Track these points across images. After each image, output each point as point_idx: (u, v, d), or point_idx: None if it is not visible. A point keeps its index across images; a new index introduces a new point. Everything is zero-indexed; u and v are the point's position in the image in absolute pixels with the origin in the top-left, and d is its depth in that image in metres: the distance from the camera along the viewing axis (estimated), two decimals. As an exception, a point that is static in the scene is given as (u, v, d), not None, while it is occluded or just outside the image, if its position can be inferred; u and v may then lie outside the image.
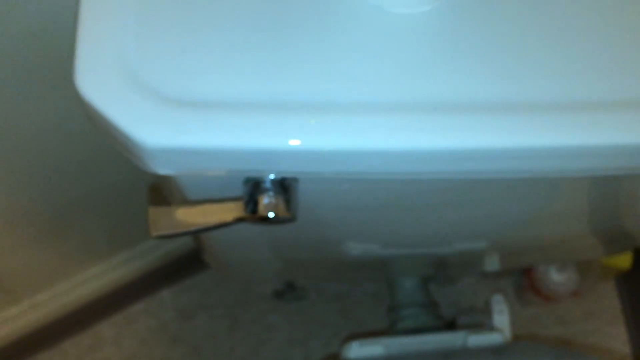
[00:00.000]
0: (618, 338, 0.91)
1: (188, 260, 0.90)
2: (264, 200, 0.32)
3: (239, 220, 0.33)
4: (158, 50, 0.29)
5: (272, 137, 0.28)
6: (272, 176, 0.32)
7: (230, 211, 0.32)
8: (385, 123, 0.30)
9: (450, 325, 0.77)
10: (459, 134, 0.31)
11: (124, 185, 0.69)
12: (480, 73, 0.32)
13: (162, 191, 0.37)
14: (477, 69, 0.32)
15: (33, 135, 0.56)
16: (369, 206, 0.41)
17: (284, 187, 0.33)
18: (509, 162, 0.33)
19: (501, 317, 0.68)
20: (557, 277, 0.83)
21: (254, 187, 0.33)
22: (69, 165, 0.63)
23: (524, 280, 0.87)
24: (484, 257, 0.67)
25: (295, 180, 0.33)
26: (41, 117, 0.54)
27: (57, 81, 0.48)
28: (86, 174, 0.66)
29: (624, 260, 0.84)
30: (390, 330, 0.71)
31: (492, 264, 0.70)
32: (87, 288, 0.85)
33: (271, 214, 0.32)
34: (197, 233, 0.33)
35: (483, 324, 0.69)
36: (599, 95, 0.32)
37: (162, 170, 0.30)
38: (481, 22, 0.33)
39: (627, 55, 0.33)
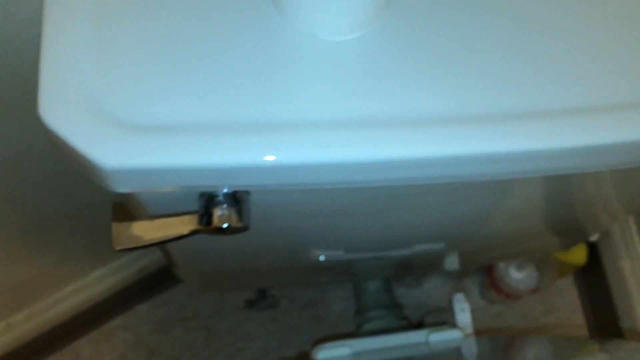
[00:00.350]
0: (578, 331, 0.95)
1: (162, 275, 0.93)
2: (218, 212, 0.35)
3: (195, 232, 0.35)
4: (116, 80, 0.32)
5: (220, 156, 0.31)
6: (225, 190, 0.35)
7: (186, 224, 0.35)
8: (325, 139, 0.33)
9: (419, 326, 0.80)
10: (391, 145, 0.34)
11: (97, 203, 0.71)
12: (414, 89, 0.35)
13: (125, 207, 0.39)
14: (411, 85, 0.35)
15: (5, 156, 0.58)
16: (321, 213, 0.44)
17: (237, 199, 0.36)
18: (451, 169, 0.37)
19: (463, 315, 0.71)
20: (516, 275, 0.86)
21: (209, 200, 0.36)
22: (42, 185, 0.65)
23: (486, 279, 0.91)
24: (443, 257, 0.71)
25: (246, 192, 0.37)
26: (14, 138, 0.57)
27: (26, 104, 0.51)
28: (59, 193, 0.68)
29: (580, 257, 0.88)
30: (357, 332, 0.74)
31: (451, 263, 0.73)
32: (63, 306, 0.86)
33: (225, 225, 0.35)
34: (157, 245, 0.36)
35: (447, 323, 0.73)
36: (528, 104, 0.36)
37: (122, 188, 0.33)
38: (415, 43, 0.36)
39: (564, 63, 0.37)
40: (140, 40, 0.34)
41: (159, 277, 0.94)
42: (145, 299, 0.96)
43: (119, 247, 0.35)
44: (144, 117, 0.32)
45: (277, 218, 0.44)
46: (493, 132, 0.35)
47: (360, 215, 0.47)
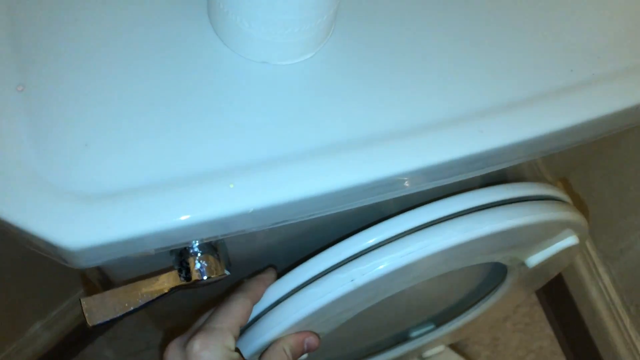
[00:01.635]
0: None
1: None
2: (196, 265, 0.33)
3: (176, 289, 0.33)
4: (59, 149, 0.29)
5: (191, 212, 0.28)
6: (197, 242, 0.33)
7: (164, 283, 0.33)
8: (300, 171, 0.31)
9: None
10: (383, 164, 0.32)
11: (26, 256, 0.66)
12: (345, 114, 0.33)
13: (95, 276, 0.36)
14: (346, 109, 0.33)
15: None
16: (290, 236, 0.43)
17: (213, 246, 0.34)
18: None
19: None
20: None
21: (182, 254, 0.33)
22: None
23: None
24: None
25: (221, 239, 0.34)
26: None
27: None
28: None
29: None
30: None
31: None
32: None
33: (205, 276, 0.33)
34: (136, 312, 0.33)
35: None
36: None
37: (90, 263, 0.30)
38: (361, 62, 0.35)
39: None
40: (80, 102, 0.30)
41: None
42: (91, 341, 0.91)
43: (92, 323, 0.32)
44: (101, 185, 0.28)
45: (251, 250, 0.42)
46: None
47: (326, 232, 0.45)
